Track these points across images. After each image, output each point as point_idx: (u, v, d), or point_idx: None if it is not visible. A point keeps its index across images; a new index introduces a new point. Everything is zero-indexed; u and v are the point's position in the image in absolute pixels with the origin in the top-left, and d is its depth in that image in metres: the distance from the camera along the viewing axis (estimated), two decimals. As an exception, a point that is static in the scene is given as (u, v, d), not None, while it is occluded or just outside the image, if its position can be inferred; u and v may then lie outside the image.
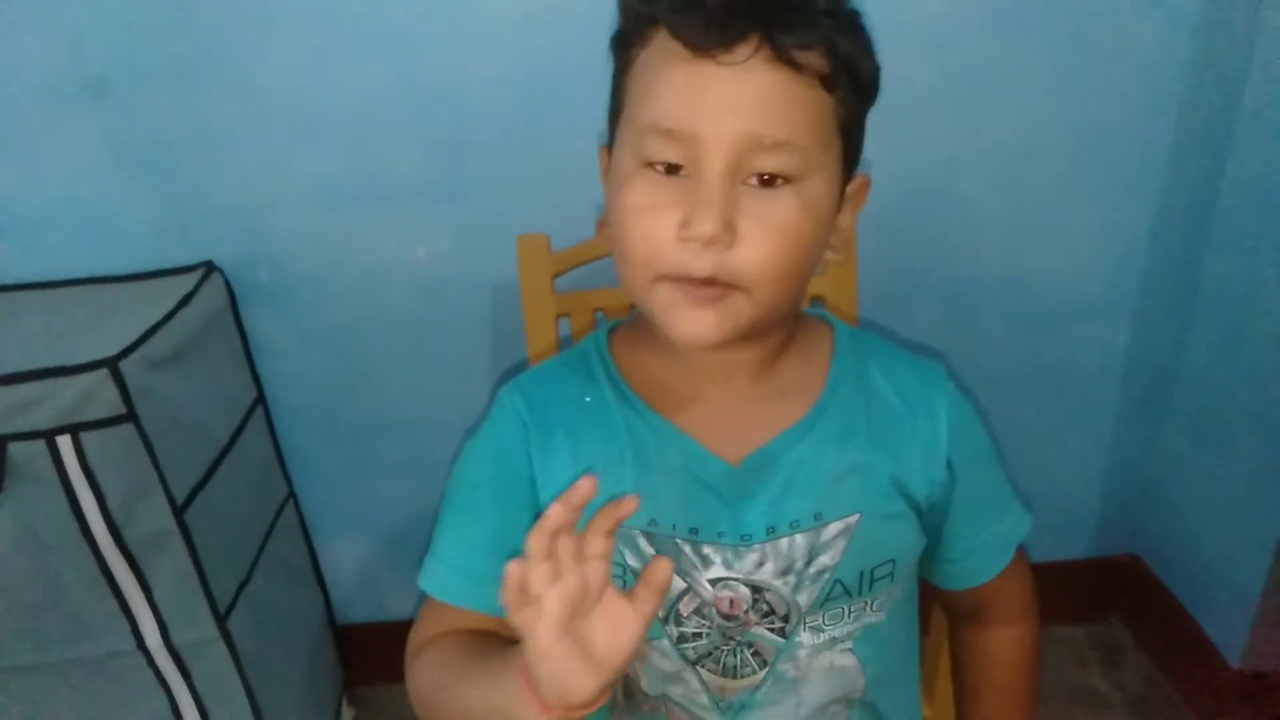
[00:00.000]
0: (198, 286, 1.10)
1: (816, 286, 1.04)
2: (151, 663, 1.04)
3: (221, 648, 1.07)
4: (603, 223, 0.67)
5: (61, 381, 0.91)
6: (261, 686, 1.13)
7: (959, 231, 1.22)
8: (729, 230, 0.56)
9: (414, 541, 1.38)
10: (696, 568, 0.64)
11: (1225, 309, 1.22)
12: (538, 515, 0.64)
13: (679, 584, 0.64)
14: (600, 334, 0.74)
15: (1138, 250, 1.24)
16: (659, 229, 0.58)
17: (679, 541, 0.64)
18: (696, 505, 0.65)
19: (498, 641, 0.66)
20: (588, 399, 0.69)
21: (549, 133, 1.12)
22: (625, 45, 0.62)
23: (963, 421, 0.70)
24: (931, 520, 0.70)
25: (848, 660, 0.68)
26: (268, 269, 1.18)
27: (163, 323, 1.01)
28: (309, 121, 1.10)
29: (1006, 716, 0.79)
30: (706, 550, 0.64)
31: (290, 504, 1.31)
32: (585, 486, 0.52)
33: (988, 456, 0.73)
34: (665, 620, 0.65)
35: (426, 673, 0.67)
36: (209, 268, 1.14)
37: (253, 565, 1.16)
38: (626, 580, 0.65)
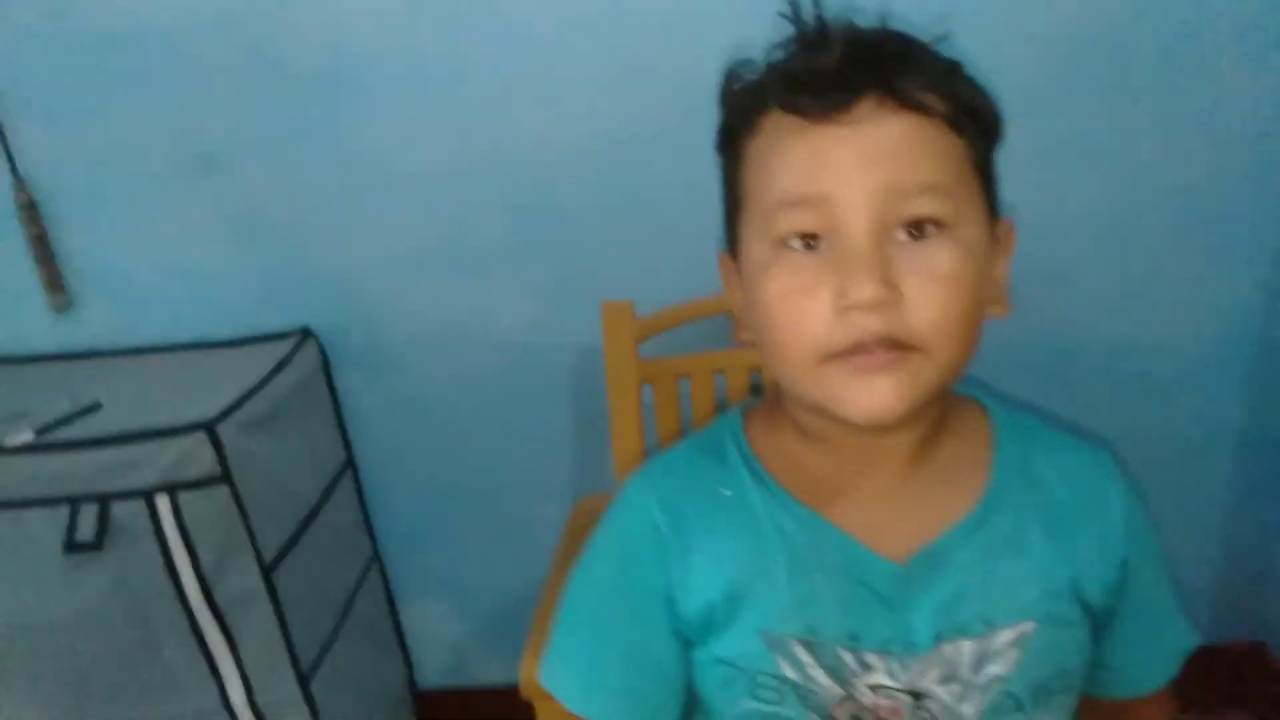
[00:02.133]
0: (293, 352, 1.13)
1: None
2: (236, 723, 1.05)
3: (304, 710, 1.07)
4: (740, 324, 0.64)
5: (162, 443, 0.95)
6: (341, 750, 1.13)
7: (1058, 297, 1.18)
8: (891, 289, 0.52)
9: (495, 607, 1.37)
10: (856, 675, 0.59)
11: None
12: (671, 625, 0.62)
13: (838, 691, 0.59)
14: (734, 416, 0.68)
15: (1252, 317, 1.18)
16: (814, 309, 0.54)
17: (839, 650, 0.59)
18: (857, 610, 0.59)
19: None
20: (728, 493, 0.63)
21: (633, 199, 1.13)
22: (733, 141, 0.60)
23: (1137, 516, 0.64)
24: (1097, 626, 0.64)
25: None
26: (360, 334, 1.21)
27: (259, 387, 1.05)
28: (401, 190, 1.14)
29: None
30: (869, 658, 0.59)
31: (375, 566, 1.32)
32: None
33: (1158, 555, 0.67)
34: None
35: None
36: (304, 333, 1.18)
37: (336, 627, 1.17)
38: (783, 693, 0.60)
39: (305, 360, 1.16)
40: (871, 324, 0.52)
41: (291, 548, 1.07)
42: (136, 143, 1.12)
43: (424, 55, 1.08)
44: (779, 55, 0.58)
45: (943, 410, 0.62)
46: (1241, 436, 1.26)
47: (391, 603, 1.37)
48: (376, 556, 1.33)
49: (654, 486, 0.65)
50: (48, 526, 0.96)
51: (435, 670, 1.44)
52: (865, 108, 0.53)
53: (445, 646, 1.42)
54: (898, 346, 0.53)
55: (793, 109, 0.54)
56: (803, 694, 0.60)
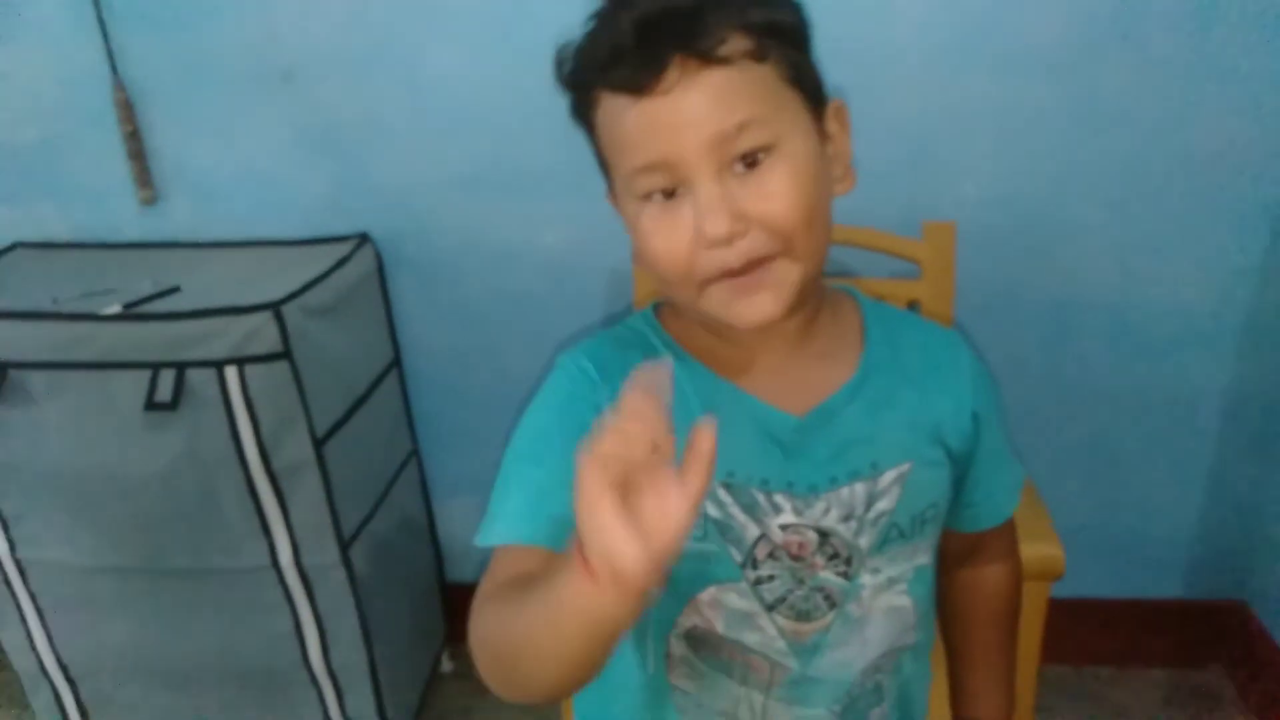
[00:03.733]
0: (352, 253, 1.24)
1: (913, 291, 1.09)
2: (282, 580, 1.17)
3: (342, 573, 1.19)
4: (637, 258, 0.72)
5: (232, 320, 1.06)
6: (374, 618, 1.25)
7: (1065, 251, 1.24)
8: (739, 219, 0.61)
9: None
10: (769, 514, 0.70)
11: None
12: None
13: (754, 530, 0.70)
14: (647, 312, 0.78)
15: (1249, 279, 1.23)
16: (680, 243, 0.62)
17: (753, 490, 0.70)
18: (767, 458, 0.70)
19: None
20: (665, 355, 0.71)
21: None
22: (582, 114, 0.68)
23: (983, 378, 0.77)
24: (957, 468, 0.76)
25: (904, 600, 0.74)
26: (413, 243, 1.32)
27: (320, 279, 1.16)
28: (460, 112, 1.23)
29: (1001, 644, 0.86)
30: (778, 498, 0.69)
31: (413, 461, 1.44)
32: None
33: (1000, 410, 0.79)
34: (744, 565, 0.70)
35: (490, 612, 0.62)
36: (363, 238, 1.28)
37: (375, 508, 1.29)
38: (707, 530, 0.69)
39: (362, 262, 1.26)
40: (733, 254, 0.62)
41: (340, 427, 1.19)
42: (225, 52, 1.23)
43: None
44: (583, 34, 0.66)
45: (819, 299, 0.73)
46: (1232, 396, 1.31)
47: (427, 497, 1.48)
48: (416, 452, 1.44)
49: (588, 355, 0.73)
50: (132, 388, 1.08)
51: (464, 566, 1.55)
52: (672, 76, 0.60)
53: (474, 545, 1.52)
54: (761, 261, 0.62)
55: (612, 89, 0.63)
56: (723, 529, 0.70)
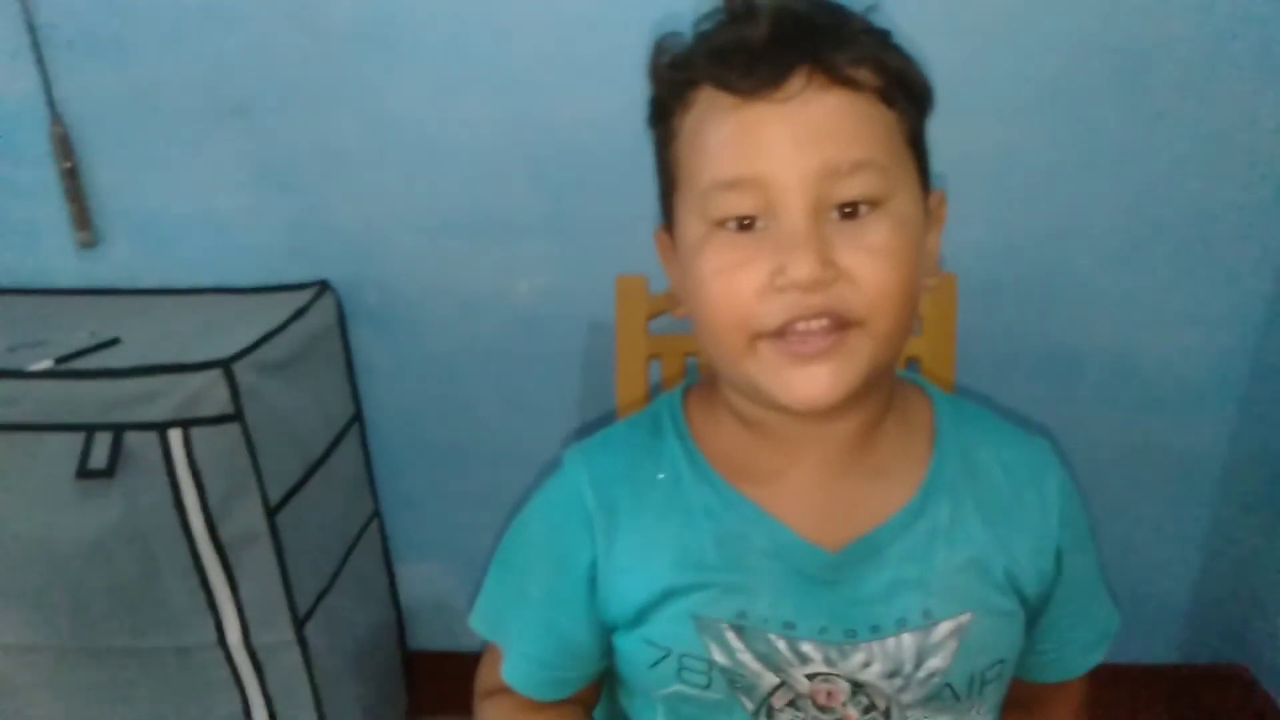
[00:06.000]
0: (311, 302, 1.15)
1: (913, 348, 1.03)
2: (230, 659, 1.07)
3: (296, 653, 1.09)
4: (676, 301, 0.64)
5: (178, 378, 0.97)
6: (330, 697, 1.15)
7: (1066, 304, 1.19)
8: (829, 266, 0.52)
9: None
10: (792, 664, 0.60)
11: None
12: (588, 607, 0.63)
13: (772, 679, 0.60)
14: (675, 396, 0.68)
15: (1251, 334, 1.19)
16: (747, 285, 0.53)
17: (771, 637, 0.59)
18: (791, 597, 0.60)
19: None
20: (661, 475, 0.63)
21: (653, 175, 1.14)
22: (665, 117, 0.60)
23: (1072, 508, 0.65)
24: (1031, 615, 0.65)
25: None
26: (377, 291, 1.23)
27: (275, 332, 1.06)
28: (427, 153, 1.15)
29: None
30: (805, 647, 0.59)
31: (375, 523, 1.34)
32: None
33: (1090, 545, 0.68)
34: (757, 714, 0.61)
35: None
36: (322, 286, 1.20)
37: (334, 577, 1.19)
38: (711, 678, 0.60)
39: (322, 312, 1.17)
40: (811, 300, 0.52)
41: (296, 492, 1.09)
42: (172, 85, 1.14)
43: (461, 20, 1.09)
44: (706, 27, 0.58)
45: (885, 397, 0.62)
46: (1232, 455, 1.27)
47: (388, 561, 1.39)
48: (377, 513, 1.35)
49: (588, 464, 0.66)
50: (63, 452, 0.98)
51: (427, 632, 1.46)
52: (796, 84, 0.53)
53: (439, 609, 1.44)
54: (837, 326, 0.53)
55: (722, 85, 0.54)
56: (731, 678, 0.60)
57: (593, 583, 0.63)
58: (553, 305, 1.22)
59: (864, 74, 0.54)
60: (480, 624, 0.71)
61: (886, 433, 0.63)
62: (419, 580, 1.42)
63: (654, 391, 1.06)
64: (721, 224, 0.55)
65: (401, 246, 1.20)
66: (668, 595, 0.60)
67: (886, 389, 0.62)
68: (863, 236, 0.53)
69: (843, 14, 0.57)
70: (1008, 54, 1.08)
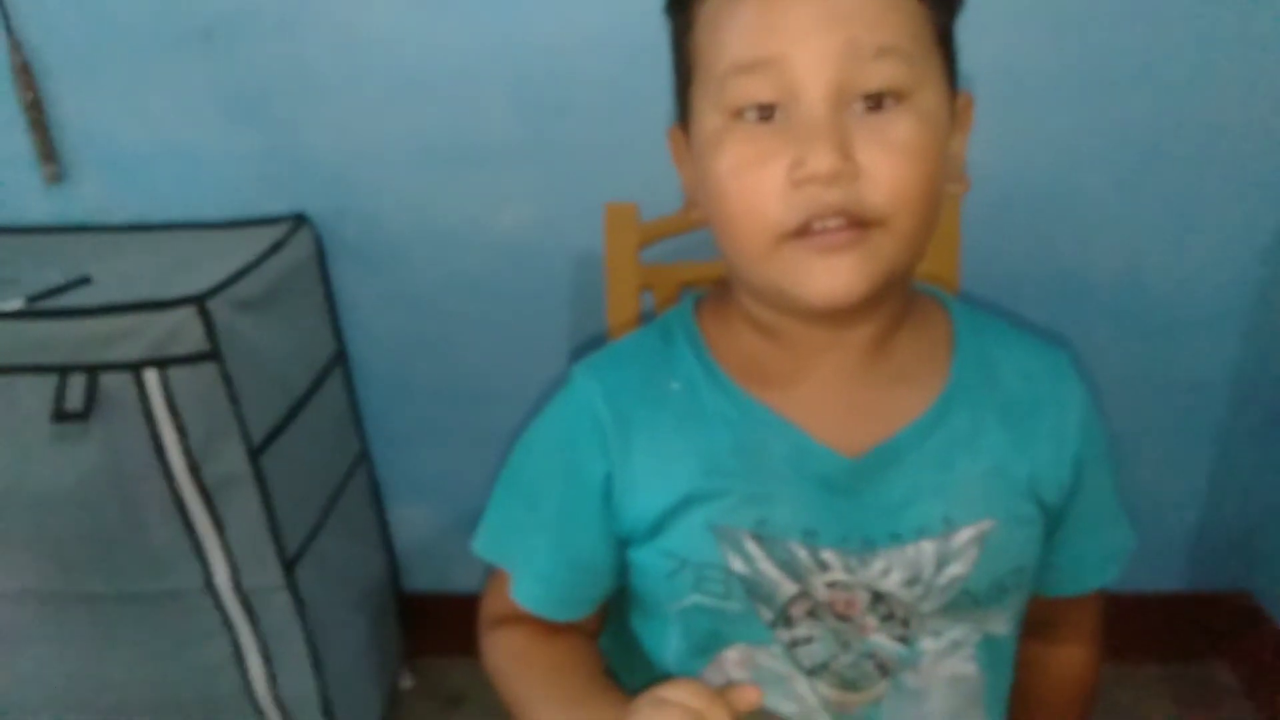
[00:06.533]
0: (287, 236, 1.11)
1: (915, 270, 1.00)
2: (219, 604, 1.06)
3: (287, 596, 1.07)
4: (691, 203, 0.62)
5: (151, 316, 0.93)
6: (323, 640, 1.14)
7: (1072, 226, 1.15)
8: (849, 160, 0.50)
9: (482, 513, 1.37)
10: (812, 571, 0.58)
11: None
12: (604, 521, 0.62)
13: (792, 587, 0.58)
14: (685, 307, 0.67)
15: (1261, 259, 1.16)
16: (767, 182, 0.51)
17: (791, 545, 0.58)
18: (811, 504, 0.58)
19: (579, 662, 0.66)
20: (676, 386, 0.62)
21: (645, 100, 1.09)
22: (682, 3, 0.57)
23: (1091, 418, 0.64)
24: (1050, 524, 0.64)
25: (970, 669, 0.62)
26: (356, 225, 1.18)
27: (251, 267, 1.03)
28: (407, 77, 1.10)
29: None
30: (825, 555, 0.58)
31: (363, 464, 1.32)
32: (752, 697, 0.52)
33: (1107, 458, 0.66)
34: (775, 624, 0.59)
35: (503, 659, 0.67)
36: (299, 219, 1.15)
37: (322, 519, 1.17)
38: (730, 586, 0.59)
39: (299, 246, 1.13)
40: (829, 197, 0.50)
41: (280, 433, 1.06)
42: (136, 7, 1.08)
43: (437, -64, 1.04)
44: None
45: (903, 305, 0.60)
46: (1239, 380, 1.24)
47: (379, 502, 1.37)
48: (365, 453, 1.32)
49: (599, 378, 0.64)
50: (36, 394, 0.95)
51: (421, 573, 1.44)
52: None
53: (431, 550, 1.42)
54: (857, 223, 0.51)
55: None
56: (750, 587, 0.59)
57: (607, 496, 0.62)
58: (539, 236, 1.17)
59: None
60: (485, 548, 0.69)
61: (904, 340, 0.61)
62: (411, 522, 1.40)
63: (645, 321, 1.02)
64: (739, 114, 0.53)
65: (381, 177, 1.16)
66: (686, 505, 0.59)
67: (904, 295, 0.60)
68: (886, 131, 0.51)
69: None
70: (1013, -40, 1.03)
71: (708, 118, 0.55)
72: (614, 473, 0.62)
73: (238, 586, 1.05)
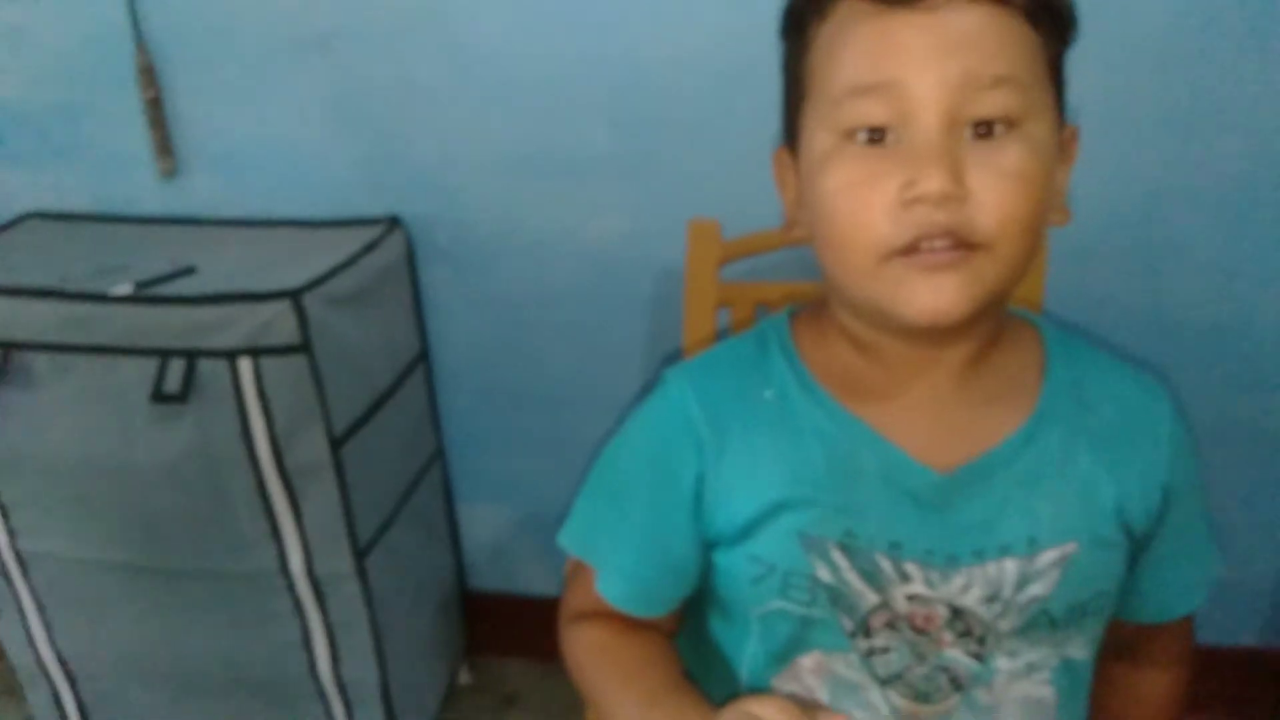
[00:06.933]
0: (381, 238, 1.15)
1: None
2: (292, 587, 1.09)
3: (356, 584, 1.11)
4: (792, 222, 0.63)
5: (248, 307, 0.98)
6: (388, 630, 1.17)
7: (1164, 269, 1.12)
8: (959, 183, 0.51)
9: (551, 520, 1.38)
10: (894, 583, 0.59)
11: None
12: (693, 524, 0.64)
13: (874, 598, 0.60)
14: (781, 319, 0.68)
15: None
16: (877, 201, 0.52)
17: (877, 556, 0.59)
18: (899, 517, 0.59)
19: (660, 660, 0.67)
20: (769, 394, 0.63)
21: (733, 118, 1.10)
22: (800, 27, 0.58)
23: (1184, 446, 0.63)
24: (1136, 549, 0.64)
25: (1044, 692, 0.62)
26: (447, 229, 1.22)
27: (344, 266, 1.07)
28: (505, 90, 1.13)
29: None
30: (908, 567, 0.59)
31: (438, 462, 1.35)
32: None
33: (1199, 486, 0.66)
34: (854, 633, 0.61)
35: (584, 653, 0.69)
36: (393, 222, 1.19)
37: (394, 512, 1.20)
38: (815, 594, 0.60)
39: (392, 248, 1.17)
40: (938, 217, 0.51)
41: (361, 426, 1.10)
42: (255, 16, 1.14)
43: (543, -47, 1.07)
44: None
45: (997, 327, 0.61)
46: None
47: (450, 500, 1.40)
48: (441, 452, 1.36)
49: (694, 383, 0.65)
50: (138, 376, 1.00)
51: (486, 573, 1.47)
52: None
53: (498, 551, 1.45)
54: (963, 245, 0.52)
55: None
56: (835, 595, 0.60)
57: (698, 498, 0.63)
58: (624, 249, 1.19)
59: None
60: (571, 541, 0.70)
61: (997, 362, 0.62)
62: (480, 521, 1.43)
63: (721, 338, 1.03)
64: (851, 135, 0.54)
65: (474, 184, 1.19)
66: (775, 512, 0.61)
67: (999, 318, 0.61)
68: (996, 158, 0.52)
69: None
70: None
71: (818, 138, 0.56)
72: (706, 476, 0.63)
73: (310, 572, 1.08)
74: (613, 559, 0.68)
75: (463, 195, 1.20)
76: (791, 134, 0.61)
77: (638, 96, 1.12)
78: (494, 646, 1.49)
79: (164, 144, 1.21)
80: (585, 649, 0.69)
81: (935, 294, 0.52)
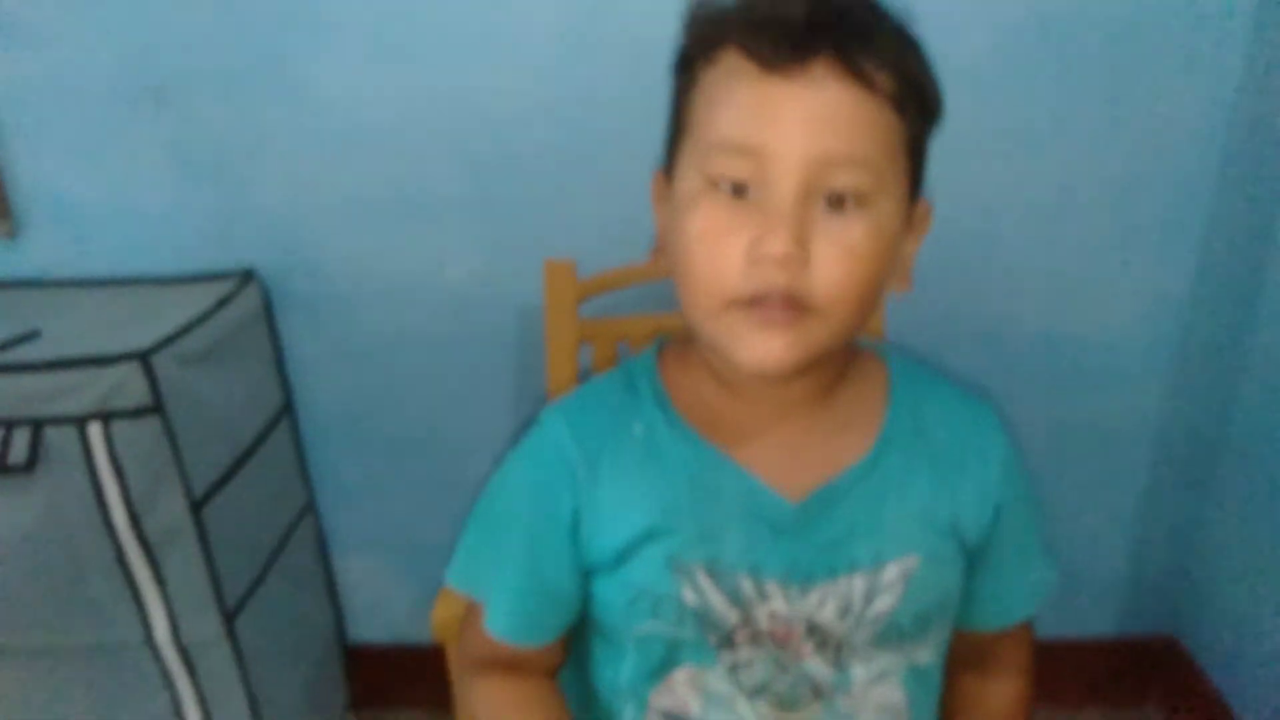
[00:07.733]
0: (235, 291, 1.13)
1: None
2: (158, 657, 1.06)
3: (227, 648, 1.08)
4: (659, 249, 0.66)
5: (96, 371, 0.95)
6: (264, 693, 1.14)
7: (995, 282, 1.20)
8: (802, 249, 0.55)
9: (429, 563, 1.36)
10: (755, 602, 0.64)
11: (1275, 379, 1.18)
12: (571, 554, 0.67)
13: (737, 616, 0.64)
14: (649, 356, 0.72)
15: (1177, 309, 1.21)
16: (728, 253, 0.56)
17: (739, 578, 0.64)
18: (758, 541, 0.64)
19: (541, 705, 0.71)
20: (637, 429, 0.67)
21: (583, 156, 1.14)
22: (689, 66, 0.61)
23: (1012, 467, 0.70)
24: (971, 562, 0.69)
25: (897, 695, 0.67)
26: (304, 279, 1.21)
27: (197, 322, 1.05)
28: (353, 135, 1.14)
29: None
30: (768, 587, 0.64)
31: (309, 515, 1.33)
32: None
33: (1029, 501, 0.72)
34: (720, 648, 0.65)
35: (481, 709, 0.72)
36: (247, 275, 1.17)
37: (264, 571, 1.18)
38: (683, 615, 0.64)
39: (247, 301, 1.15)
40: (778, 278, 0.56)
41: (223, 485, 1.08)
42: (90, 68, 1.11)
43: (386, -1, 1.08)
44: None
45: (844, 362, 0.67)
46: (1160, 429, 1.29)
47: (325, 553, 1.37)
48: (312, 504, 1.33)
49: (568, 420, 0.69)
50: (-21, 448, 0.96)
51: (367, 624, 1.44)
52: (818, 69, 0.55)
53: (379, 601, 1.43)
54: (796, 306, 0.56)
55: (750, 53, 0.56)
56: (701, 616, 0.64)
57: (575, 529, 0.67)
58: (483, 289, 1.21)
59: (883, 78, 0.56)
60: (459, 578, 0.73)
61: (844, 393, 0.67)
62: (357, 572, 1.41)
63: (584, 375, 1.06)
64: (716, 184, 0.58)
65: (328, 231, 1.19)
66: (646, 540, 0.64)
67: (841, 357, 0.66)
68: (841, 232, 0.56)
69: (878, 14, 0.59)
70: (930, 24, 1.08)
71: (689, 176, 0.60)
72: (581, 508, 0.66)
73: (177, 639, 1.05)
74: (497, 592, 0.70)
75: (317, 243, 1.19)
76: (669, 161, 0.64)
77: (488, 140, 1.14)
78: (379, 699, 1.46)
79: (1, 205, 1.16)
80: (482, 705, 0.72)
81: (765, 347, 0.57)
